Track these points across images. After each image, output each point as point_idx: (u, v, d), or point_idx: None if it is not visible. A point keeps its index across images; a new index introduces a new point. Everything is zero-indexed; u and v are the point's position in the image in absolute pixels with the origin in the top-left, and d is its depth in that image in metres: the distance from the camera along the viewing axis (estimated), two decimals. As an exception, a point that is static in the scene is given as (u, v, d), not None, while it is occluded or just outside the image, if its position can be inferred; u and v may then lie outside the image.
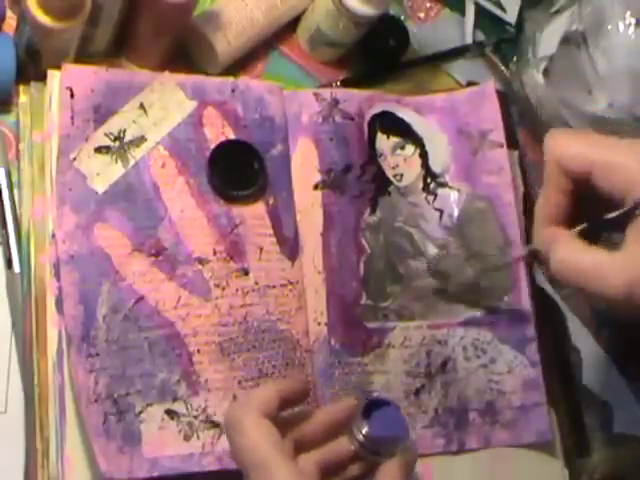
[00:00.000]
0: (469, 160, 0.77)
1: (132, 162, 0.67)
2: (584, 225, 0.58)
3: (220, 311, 0.66)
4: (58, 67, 0.67)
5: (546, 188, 0.59)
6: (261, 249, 0.68)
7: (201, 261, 0.66)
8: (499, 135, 0.78)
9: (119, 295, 0.63)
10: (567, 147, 0.58)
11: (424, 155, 0.77)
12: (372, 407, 0.58)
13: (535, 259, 0.62)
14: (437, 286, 0.73)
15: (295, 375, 0.67)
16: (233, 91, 0.72)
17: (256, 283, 0.67)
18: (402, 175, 0.76)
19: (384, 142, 0.76)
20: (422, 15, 0.87)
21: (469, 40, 0.88)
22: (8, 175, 0.67)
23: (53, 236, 0.64)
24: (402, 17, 0.85)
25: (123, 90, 0.68)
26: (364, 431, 0.57)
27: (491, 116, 0.78)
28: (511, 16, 0.89)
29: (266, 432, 0.54)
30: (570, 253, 0.56)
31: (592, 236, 0.57)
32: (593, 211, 0.58)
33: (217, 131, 0.70)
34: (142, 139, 0.68)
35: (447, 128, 0.78)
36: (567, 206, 0.59)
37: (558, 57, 0.81)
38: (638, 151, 0.55)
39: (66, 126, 0.66)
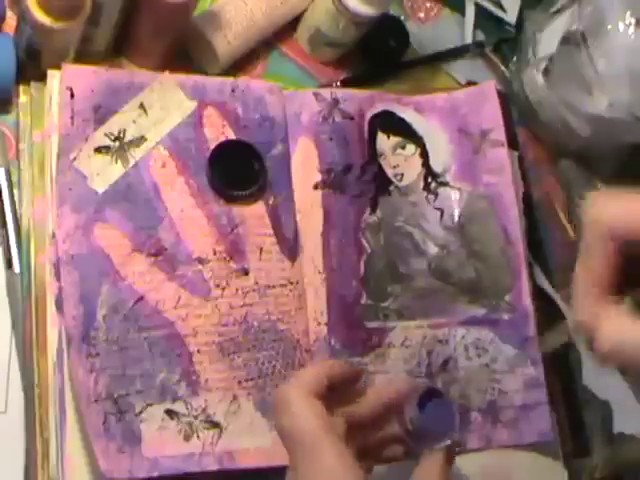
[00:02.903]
0: (470, 159, 0.77)
1: (132, 162, 0.67)
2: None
3: (220, 311, 0.66)
4: (58, 67, 0.67)
5: (589, 256, 0.51)
6: (261, 249, 0.68)
7: (201, 261, 0.66)
8: (500, 134, 0.78)
9: (119, 295, 0.63)
10: (614, 206, 0.50)
11: (425, 154, 0.77)
12: (427, 396, 0.58)
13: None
14: (438, 286, 0.74)
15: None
16: (233, 91, 0.71)
17: (256, 283, 0.67)
18: (403, 175, 0.76)
19: (384, 142, 0.76)
20: (422, 15, 0.87)
21: (469, 40, 0.88)
22: (8, 175, 0.68)
23: (53, 236, 0.64)
24: (402, 17, 0.85)
25: (123, 90, 0.68)
26: (414, 419, 0.57)
27: (492, 115, 0.78)
28: (511, 16, 0.89)
29: (314, 411, 0.53)
30: (626, 331, 0.48)
31: None
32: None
33: (217, 131, 0.70)
34: (142, 139, 0.68)
35: (447, 127, 0.78)
36: (614, 274, 0.51)
37: (558, 57, 0.81)
38: None
39: (66, 126, 0.66)
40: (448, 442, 0.57)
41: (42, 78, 0.68)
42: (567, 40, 0.80)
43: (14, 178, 0.68)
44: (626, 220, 0.49)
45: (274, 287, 0.68)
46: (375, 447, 0.59)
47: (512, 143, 0.80)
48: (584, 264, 0.51)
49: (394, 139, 0.76)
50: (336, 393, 0.57)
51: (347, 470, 0.52)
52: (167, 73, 0.70)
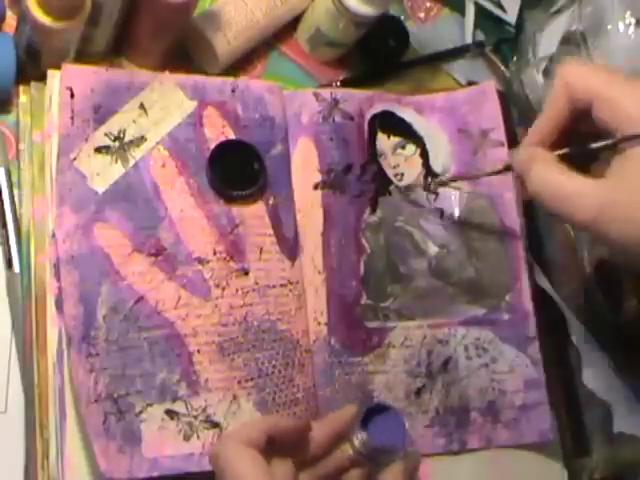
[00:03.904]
0: (470, 159, 0.77)
1: (132, 162, 0.67)
2: (567, 150, 0.59)
3: (220, 311, 0.66)
4: (58, 67, 0.67)
5: (547, 109, 0.60)
6: (261, 249, 0.68)
7: (201, 261, 0.66)
8: (500, 134, 0.78)
9: (119, 295, 0.63)
10: (578, 75, 0.58)
11: (425, 154, 0.77)
12: (372, 414, 0.59)
13: (510, 172, 0.66)
14: (438, 285, 0.74)
15: (295, 376, 0.67)
16: (233, 91, 0.72)
17: (256, 283, 0.67)
18: (403, 174, 0.76)
19: (384, 142, 0.76)
20: (422, 15, 0.87)
21: (469, 40, 0.88)
22: (8, 175, 0.67)
23: (53, 236, 0.64)
24: (402, 17, 0.85)
25: (123, 90, 0.68)
26: (362, 440, 0.58)
27: (492, 115, 0.78)
28: (511, 16, 0.89)
29: (249, 460, 0.53)
30: (547, 173, 0.57)
31: (575, 164, 0.58)
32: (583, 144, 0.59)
33: (217, 131, 0.70)
34: (142, 139, 0.68)
35: (447, 127, 0.78)
36: (560, 130, 0.60)
37: (558, 57, 0.81)
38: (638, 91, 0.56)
39: (66, 126, 0.66)
40: (406, 451, 0.58)
41: (42, 78, 0.68)
42: (567, 40, 0.80)
43: (14, 178, 0.68)
44: (584, 80, 0.57)
45: (274, 287, 0.68)
46: (334, 476, 0.59)
47: (512, 143, 0.80)
48: (540, 115, 0.60)
49: (394, 139, 0.76)
50: (281, 444, 0.56)
51: None
52: (167, 73, 0.70)
